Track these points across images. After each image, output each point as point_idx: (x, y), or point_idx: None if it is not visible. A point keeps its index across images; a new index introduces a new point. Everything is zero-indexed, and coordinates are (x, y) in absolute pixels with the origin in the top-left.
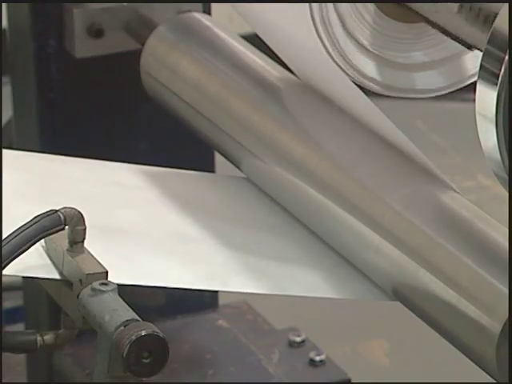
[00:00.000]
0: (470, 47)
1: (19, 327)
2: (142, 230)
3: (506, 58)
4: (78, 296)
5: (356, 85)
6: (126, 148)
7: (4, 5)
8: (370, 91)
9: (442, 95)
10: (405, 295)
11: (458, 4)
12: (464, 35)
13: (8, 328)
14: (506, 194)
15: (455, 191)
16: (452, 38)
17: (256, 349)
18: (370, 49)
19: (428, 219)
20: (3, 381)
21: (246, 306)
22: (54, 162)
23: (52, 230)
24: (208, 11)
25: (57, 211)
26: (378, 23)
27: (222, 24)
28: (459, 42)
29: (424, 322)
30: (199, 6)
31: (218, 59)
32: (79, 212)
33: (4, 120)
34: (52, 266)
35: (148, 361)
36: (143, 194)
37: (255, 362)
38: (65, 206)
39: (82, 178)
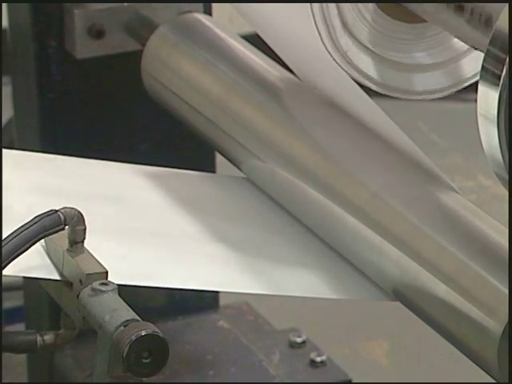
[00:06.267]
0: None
1: (19, 327)
2: (142, 230)
3: (508, 59)
4: (78, 296)
5: (357, 84)
6: (126, 148)
7: (4, 5)
8: (371, 90)
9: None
10: (405, 295)
11: (458, 5)
12: (465, 37)
13: (8, 328)
14: (506, 194)
15: (456, 191)
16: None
17: (257, 349)
18: (371, 48)
19: (429, 219)
20: (3, 381)
21: (247, 306)
22: (53, 162)
23: (52, 230)
24: (209, 11)
25: (57, 211)
26: (379, 23)
27: (222, 24)
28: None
29: (424, 323)
30: (200, 6)
31: (219, 60)
32: (79, 212)
33: (4, 120)
34: (52, 266)
35: (148, 361)
36: (143, 194)
37: (256, 362)
38: (65, 205)
39: (82, 178)
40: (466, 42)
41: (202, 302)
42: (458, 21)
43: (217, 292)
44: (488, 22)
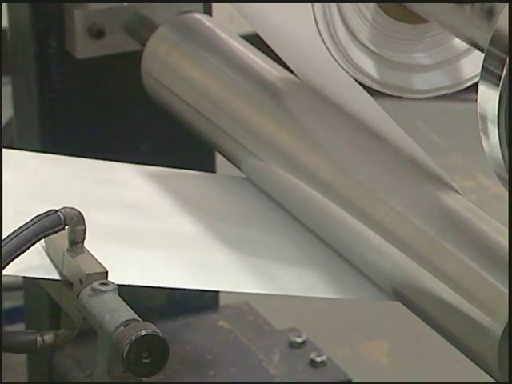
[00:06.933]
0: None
1: (19, 327)
2: (142, 230)
3: (508, 59)
4: (78, 296)
5: (358, 83)
6: (126, 148)
7: (4, 5)
8: (370, 89)
9: (442, 95)
10: (405, 295)
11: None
12: (466, 33)
13: (8, 328)
14: (506, 194)
15: (456, 191)
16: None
17: (257, 349)
18: (372, 48)
19: (429, 219)
20: (4, 381)
21: (247, 306)
22: (53, 162)
23: (52, 230)
24: (209, 11)
25: (57, 211)
26: (380, 23)
27: (222, 24)
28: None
29: (424, 323)
30: (200, 6)
31: (219, 60)
32: (79, 212)
33: (4, 120)
34: (52, 266)
35: (148, 361)
36: (144, 194)
37: (256, 362)
38: (65, 206)
39: (82, 178)
40: (465, 37)
41: (202, 301)
42: (459, 14)
43: (217, 292)
44: (489, 15)
